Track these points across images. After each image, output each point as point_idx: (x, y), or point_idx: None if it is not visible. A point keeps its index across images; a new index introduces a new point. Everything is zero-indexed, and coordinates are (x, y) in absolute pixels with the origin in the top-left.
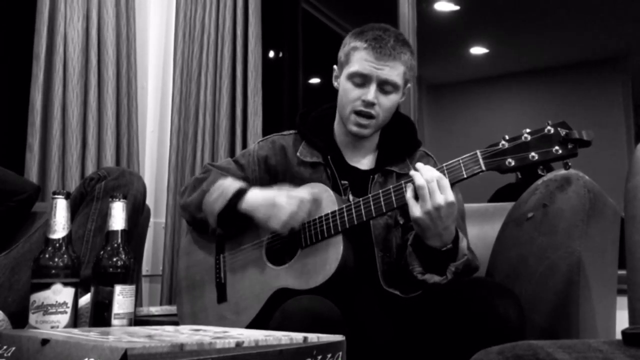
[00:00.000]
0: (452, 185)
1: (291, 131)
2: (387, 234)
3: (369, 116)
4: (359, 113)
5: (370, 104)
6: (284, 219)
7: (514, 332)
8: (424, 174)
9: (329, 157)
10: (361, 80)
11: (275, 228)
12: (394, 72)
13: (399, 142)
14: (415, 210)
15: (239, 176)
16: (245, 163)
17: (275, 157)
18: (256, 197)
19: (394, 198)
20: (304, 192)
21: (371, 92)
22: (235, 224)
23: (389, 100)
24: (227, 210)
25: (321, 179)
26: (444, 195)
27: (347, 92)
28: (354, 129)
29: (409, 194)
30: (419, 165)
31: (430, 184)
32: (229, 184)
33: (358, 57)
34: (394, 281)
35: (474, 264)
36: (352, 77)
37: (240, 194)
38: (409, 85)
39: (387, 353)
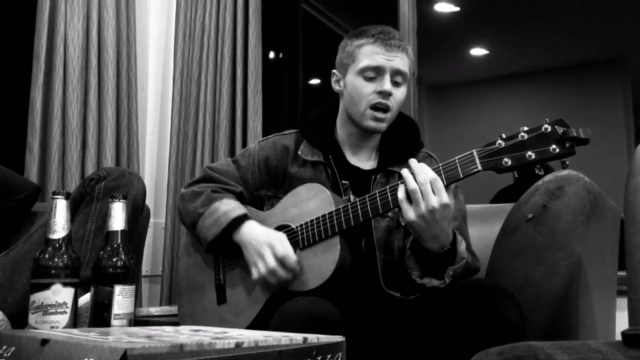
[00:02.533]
0: (447, 185)
1: (292, 130)
2: (389, 236)
3: (386, 109)
4: (375, 107)
5: (388, 94)
6: (262, 274)
7: (514, 333)
8: (418, 176)
9: (330, 156)
10: (374, 73)
11: (253, 275)
12: (403, 62)
13: (402, 142)
14: (409, 213)
15: (237, 178)
16: (245, 164)
17: (276, 157)
18: (250, 233)
19: (390, 198)
20: (292, 253)
21: (387, 82)
22: (226, 252)
23: (400, 93)
24: (220, 238)
25: (321, 179)
26: (438, 197)
27: (360, 88)
28: (372, 124)
29: (401, 196)
30: (412, 163)
31: (423, 186)
32: (224, 212)
33: (366, 52)
34: (395, 283)
35: (474, 266)
36: (363, 72)
37: (235, 223)
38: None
39: (388, 354)
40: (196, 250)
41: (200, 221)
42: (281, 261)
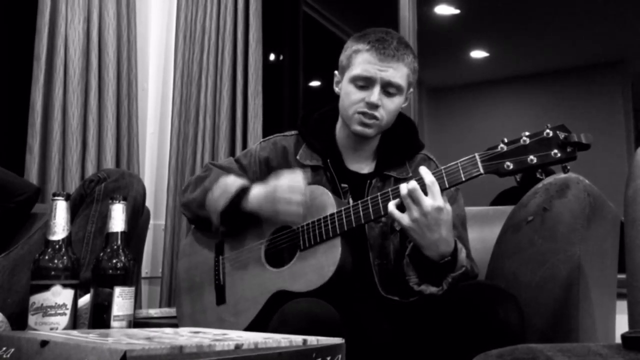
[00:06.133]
0: (449, 188)
1: (293, 132)
2: (383, 240)
3: (373, 117)
4: (362, 114)
5: (374, 106)
6: (296, 212)
7: (514, 335)
8: (409, 183)
9: (328, 160)
10: (364, 82)
11: (290, 221)
12: (398, 73)
13: (400, 145)
14: (404, 218)
15: (240, 176)
16: (246, 164)
17: (276, 158)
18: (259, 195)
19: (392, 200)
20: (300, 181)
21: (375, 94)
22: (238, 222)
23: (393, 103)
24: (230, 208)
25: (321, 182)
26: (432, 200)
27: (350, 95)
28: (358, 128)
29: (392, 203)
30: (421, 170)
31: (414, 193)
32: (232, 182)
33: (361, 59)
34: (392, 287)
35: (472, 273)
36: (354, 80)
37: (243, 191)
38: (411, 90)
39: (387, 356)
40: (196, 251)
41: (209, 195)
42: (299, 191)
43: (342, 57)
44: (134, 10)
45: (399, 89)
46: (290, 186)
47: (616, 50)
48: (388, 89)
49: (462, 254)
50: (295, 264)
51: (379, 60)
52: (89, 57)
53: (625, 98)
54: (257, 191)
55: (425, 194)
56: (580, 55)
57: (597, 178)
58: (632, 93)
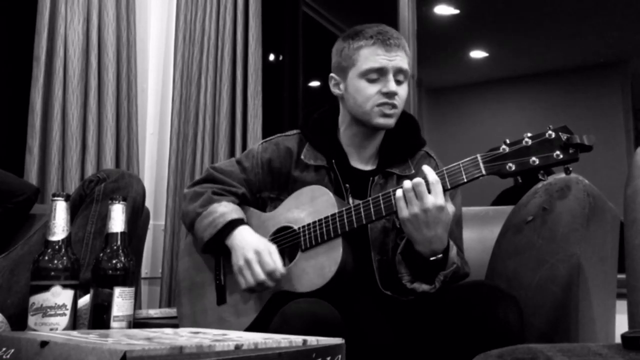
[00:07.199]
0: (446, 191)
1: (295, 131)
2: (385, 237)
3: (392, 106)
4: (382, 105)
5: (393, 94)
6: (251, 284)
7: (514, 335)
8: (418, 175)
9: (333, 160)
10: (377, 75)
11: (241, 285)
12: (404, 60)
13: (402, 142)
14: (404, 211)
15: (240, 179)
16: (248, 166)
17: (279, 159)
18: (241, 239)
19: (393, 201)
20: (280, 265)
21: (391, 83)
22: (221, 253)
23: (404, 90)
24: (214, 240)
25: (323, 182)
26: (434, 198)
27: (363, 91)
28: (381, 120)
29: (399, 194)
30: (424, 168)
31: (418, 187)
32: (221, 214)
33: (366, 54)
34: (391, 284)
35: (463, 271)
36: (365, 74)
37: (231, 226)
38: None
39: (387, 356)
40: (197, 251)
41: (198, 221)
42: (269, 274)
43: (340, 59)
44: (133, 10)
45: (406, 76)
46: (266, 262)
47: (616, 50)
48: (398, 76)
49: (453, 251)
50: (297, 264)
51: (385, 51)
52: (88, 57)
53: (625, 98)
54: (242, 234)
55: (428, 191)
56: (580, 55)
57: (597, 178)
58: (632, 93)
